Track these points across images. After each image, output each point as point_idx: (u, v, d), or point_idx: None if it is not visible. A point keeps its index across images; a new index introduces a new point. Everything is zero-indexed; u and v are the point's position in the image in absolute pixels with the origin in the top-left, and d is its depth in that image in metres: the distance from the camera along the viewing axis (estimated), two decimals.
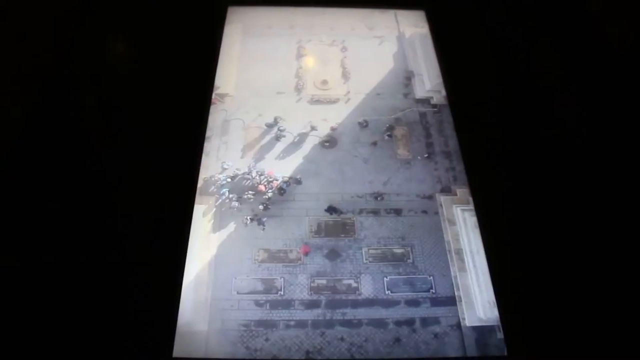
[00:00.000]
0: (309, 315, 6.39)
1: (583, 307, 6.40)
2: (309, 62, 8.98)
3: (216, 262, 6.74)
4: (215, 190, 7.33)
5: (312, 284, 6.63)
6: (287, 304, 6.46)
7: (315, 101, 8.42)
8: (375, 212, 7.23)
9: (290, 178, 7.46)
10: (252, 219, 7.07)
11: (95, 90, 8.29)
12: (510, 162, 7.65)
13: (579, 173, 7.51)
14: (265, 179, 7.42)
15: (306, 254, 6.80)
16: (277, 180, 7.41)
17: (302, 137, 7.97)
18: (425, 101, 8.50)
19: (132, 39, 9.21)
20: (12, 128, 7.61)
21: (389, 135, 8.01)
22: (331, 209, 7.19)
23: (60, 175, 7.22)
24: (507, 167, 7.59)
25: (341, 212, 7.19)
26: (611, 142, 7.88)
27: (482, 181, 7.50)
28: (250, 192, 7.29)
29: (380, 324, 6.36)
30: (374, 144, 7.96)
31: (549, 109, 8.32)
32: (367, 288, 6.62)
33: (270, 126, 8.02)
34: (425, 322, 6.40)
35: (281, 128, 8.00)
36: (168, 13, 9.34)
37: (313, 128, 8.03)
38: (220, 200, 7.23)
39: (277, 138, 7.92)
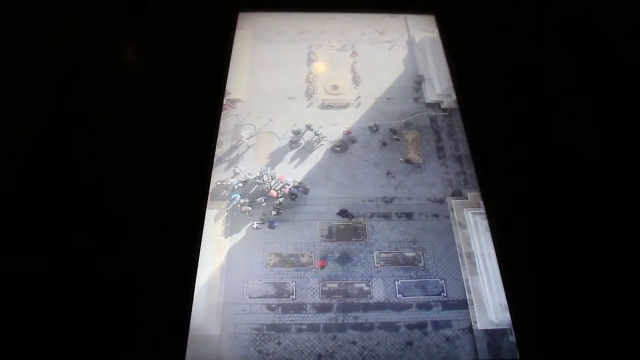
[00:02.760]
0: (321, 318, 6.42)
1: (596, 310, 6.38)
2: (320, 67, 9.02)
3: (228, 266, 6.78)
4: (227, 194, 7.37)
5: (323, 288, 6.65)
6: (298, 307, 6.49)
7: (326, 106, 8.45)
8: (386, 216, 7.24)
9: (300, 183, 7.48)
10: (261, 223, 7.11)
11: (106, 95, 8.37)
12: (521, 165, 7.64)
13: (591, 176, 7.49)
14: (277, 184, 7.46)
15: (322, 267, 6.81)
16: (288, 185, 7.44)
17: (314, 143, 8.01)
18: (435, 105, 8.51)
19: (142, 45, 9.29)
20: (24, 133, 7.70)
21: (397, 139, 8.01)
22: (343, 213, 7.21)
23: (72, 179, 7.30)
24: (518, 171, 7.58)
25: (352, 216, 7.21)
26: (624, 146, 7.86)
27: (492, 185, 7.49)
28: (262, 197, 7.33)
29: (391, 327, 6.37)
30: (385, 142, 8.00)
31: (560, 113, 8.31)
32: (378, 291, 6.63)
33: (296, 133, 8.04)
34: (436, 325, 6.40)
35: (318, 133, 8.05)
36: (179, 19, 9.43)
37: (349, 136, 8.08)
38: (231, 204, 7.27)
39: (292, 145, 7.95)
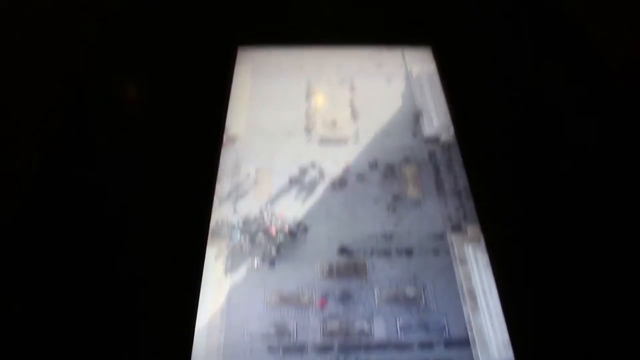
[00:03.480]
0: (322, 359, 6.37)
1: (599, 347, 6.34)
2: (318, 102, 9.08)
3: (228, 305, 6.75)
4: (227, 232, 7.37)
5: (324, 327, 6.61)
6: (300, 348, 6.45)
7: (325, 141, 8.48)
8: (386, 253, 7.23)
9: (300, 221, 7.48)
10: (262, 261, 7.10)
11: (109, 131, 8.41)
12: (521, 198, 7.64)
13: (592, 209, 7.48)
14: (277, 222, 7.46)
15: (323, 307, 6.78)
16: (288, 222, 7.44)
17: (314, 179, 8.02)
18: (434, 139, 8.54)
19: (144, 80, 9.36)
20: (30, 165, 7.73)
21: (392, 174, 8.03)
22: (343, 250, 7.20)
23: (74, 214, 7.30)
24: (517, 204, 7.57)
25: (353, 254, 7.19)
26: (623, 174, 7.86)
27: (492, 219, 7.48)
28: (262, 234, 7.32)
29: None
30: (384, 177, 8.00)
31: (559, 145, 8.33)
32: (380, 331, 6.59)
33: (303, 172, 8.06)
34: None
35: (321, 170, 8.07)
36: (179, 54, 9.51)
37: (351, 172, 8.10)
38: (232, 243, 7.26)
39: (291, 182, 7.96)
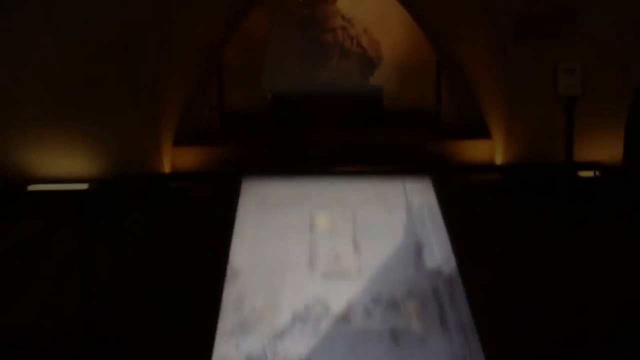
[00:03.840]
0: None
1: None
2: (321, 235, 9.20)
3: None
4: None
5: None
6: None
7: (329, 276, 8.50)
8: None
9: None
10: None
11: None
12: (529, 333, 7.57)
13: (605, 343, 7.39)
14: None
15: None
16: None
17: (317, 315, 7.93)
18: (436, 272, 8.54)
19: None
20: None
21: (396, 309, 7.97)
22: None
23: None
24: (525, 339, 7.49)
25: None
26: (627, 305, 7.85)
27: (500, 356, 7.34)
28: None
29: None
30: (388, 312, 7.93)
31: (565, 272, 8.38)
32: None
33: (307, 308, 8.00)
34: None
35: (325, 305, 7.99)
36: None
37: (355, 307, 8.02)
38: None
39: (295, 318, 7.88)
